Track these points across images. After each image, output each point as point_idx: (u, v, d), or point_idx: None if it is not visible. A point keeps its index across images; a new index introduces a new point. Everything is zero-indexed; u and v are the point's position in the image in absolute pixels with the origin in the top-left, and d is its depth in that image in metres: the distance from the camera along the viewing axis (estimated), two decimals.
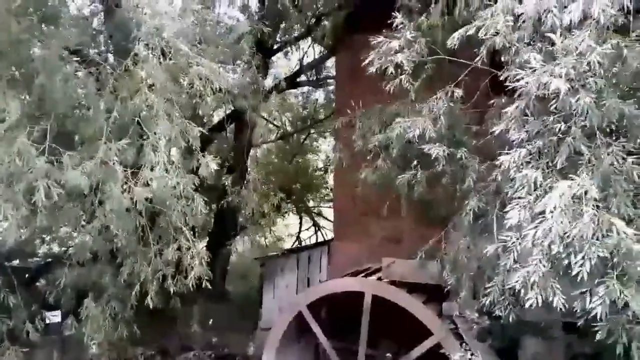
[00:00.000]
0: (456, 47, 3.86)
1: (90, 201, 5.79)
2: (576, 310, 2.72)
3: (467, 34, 3.53)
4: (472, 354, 5.01)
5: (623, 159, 2.60)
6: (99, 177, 5.43)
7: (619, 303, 2.42)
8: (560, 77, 2.56)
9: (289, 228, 17.00)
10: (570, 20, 2.58)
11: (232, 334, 9.80)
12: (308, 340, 7.49)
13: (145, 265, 6.11)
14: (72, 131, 6.25)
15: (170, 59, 5.40)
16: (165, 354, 9.05)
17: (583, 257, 2.42)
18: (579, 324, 2.85)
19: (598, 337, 2.64)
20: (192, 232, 6.45)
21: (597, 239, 2.39)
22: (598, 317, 2.51)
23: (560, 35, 2.72)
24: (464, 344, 5.35)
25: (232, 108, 9.21)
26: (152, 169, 5.41)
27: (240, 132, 10.14)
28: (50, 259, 9.45)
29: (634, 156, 2.63)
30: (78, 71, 6.18)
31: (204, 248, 10.64)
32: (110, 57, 7.17)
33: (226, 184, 7.58)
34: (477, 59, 3.74)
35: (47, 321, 7.30)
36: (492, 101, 4.16)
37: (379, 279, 6.76)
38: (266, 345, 7.13)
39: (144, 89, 5.33)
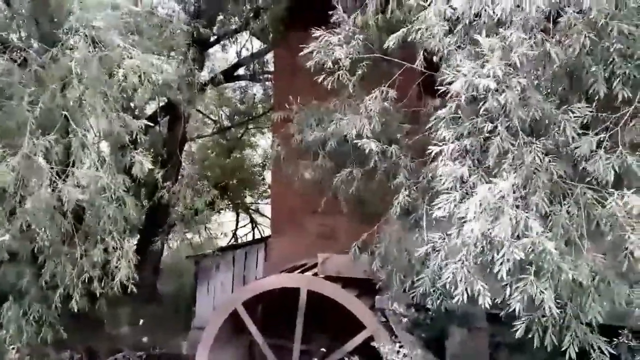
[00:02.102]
0: (392, 46, 3.93)
1: (11, 198, 5.41)
2: (499, 302, 2.85)
3: (403, 36, 3.60)
4: (401, 346, 5.16)
5: (543, 156, 2.75)
6: (23, 173, 5.08)
7: (536, 300, 2.56)
8: (488, 77, 2.67)
9: (225, 225, 16.73)
10: (498, 18, 2.69)
11: (164, 333, 9.55)
12: (243, 338, 7.42)
13: (70, 267, 5.79)
14: None
15: (102, 49, 5.13)
16: (92, 356, 8.67)
17: (503, 256, 2.54)
18: (501, 315, 3.00)
19: (518, 334, 2.78)
20: (121, 231, 6.18)
21: (516, 239, 2.52)
22: (516, 314, 2.64)
23: (487, 35, 2.84)
24: (394, 336, 5.51)
25: (166, 100, 8.92)
26: (81, 166, 5.12)
27: (174, 126, 9.85)
28: None
29: (552, 155, 2.80)
30: None
31: (134, 246, 10.25)
32: (36, 45, 6.72)
33: (158, 179, 7.32)
34: (417, 62, 3.83)
35: None
36: (424, 101, 4.29)
37: (315, 274, 6.81)
38: (200, 344, 7.00)
39: (74, 80, 5.04)
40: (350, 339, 6.09)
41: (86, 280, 5.87)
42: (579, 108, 2.79)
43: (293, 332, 6.52)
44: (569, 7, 2.75)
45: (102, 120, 5.08)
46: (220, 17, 10.33)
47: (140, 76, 4.88)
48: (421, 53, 3.59)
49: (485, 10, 2.79)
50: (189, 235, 14.31)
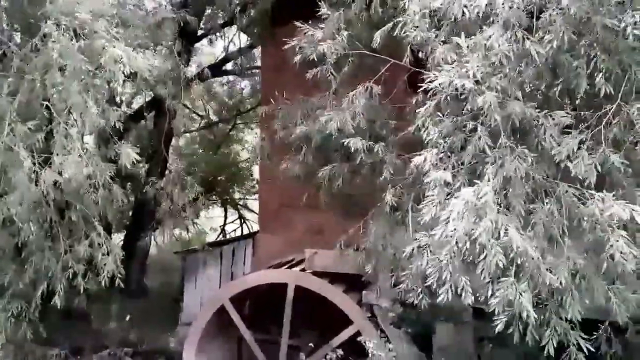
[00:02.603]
0: (378, 42, 3.93)
1: None
2: (482, 298, 2.88)
3: (392, 32, 3.60)
4: (387, 341, 5.20)
5: (525, 156, 2.77)
6: (2, 164, 4.99)
7: (515, 300, 2.59)
8: (468, 77, 2.68)
9: (213, 221, 16.67)
10: (479, 14, 2.70)
11: (151, 329, 9.50)
12: (231, 334, 7.42)
13: (54, 262, 5.72)
14: None
15: (85, 40, 5.05)
16: (78, 353, 8.60)
17: (485, 257, 2.57)
18: (485, 309, 3.03)
19: (497, 330, 2.82)
20: (107, 226, 6.12)
21: (497, 239, 2.54)
22: (496, 313, 2.68)
23: (469, 33, 2.85)
24: (380, 331, 5.54)
25: (153, 95, 8.85)
26: (64, 155, 5.04)
27: (161, 121, 9.77)
28: None
29: (534, 154, 2.82)
30: None
31: (121, 242, 10.19)
32: (16, 36, 6.61)
33: (144, 174, 7.27)
34: (404, 59, 3.82)
35: None
36: (410, 97, 4.30)
37: (302, 270, 6.82)
38: (187, 340, 6.99)
39: (55, 71, 4.96)
40: (337, 335, 6.11)
41: (70, 276, 5.81)
42: (561, 116, 2.80)
43: (281, 327, 6.53)
44: (549, 3, 2.75)
45: (83, 111, 4.99)
46: (208, 11, 10.25)
47: (123, 68, 4.81)
48: (408, 49, 3.59)
49: (466, 8, 2.79)
50: (176, 231, 14.25)
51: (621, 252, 2.53)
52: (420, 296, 3.72)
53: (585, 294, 2.77)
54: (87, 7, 4.98)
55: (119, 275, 5.82)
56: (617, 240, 2.53)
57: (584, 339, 2.83)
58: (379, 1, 4.17)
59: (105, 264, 5.70)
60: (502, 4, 2.54)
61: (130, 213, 12.12)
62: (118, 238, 12.21)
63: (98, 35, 4.96)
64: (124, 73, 4.81)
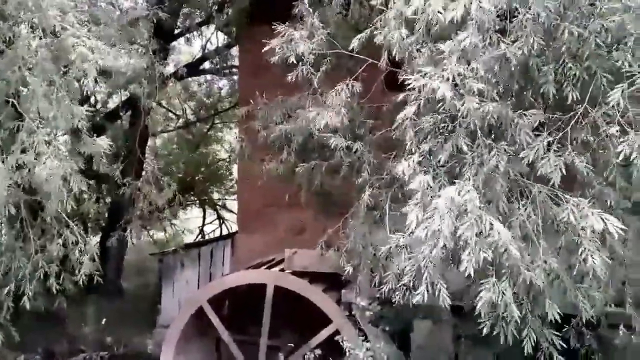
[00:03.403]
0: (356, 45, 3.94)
1: None
2: (462, 296, 2.91)
3: (372, 39, 3.61)
4: (366, 340, 5.22)
5: (502, 157, 2.82)
6: None
7: (498, 303, 2.63)
8: (447, 80, 2.70)
9: (192, 222, 16.50)
10: (455, 20, 2.73)
11: (128, 332, 9.37)
12: (209, 335, 7.35)
13: (25, 263, 5.57)
14: None
15: (56, 37, 4.93)
16: (52, 357, 8.43)
17: (469, 254, 2.59)
18: (464, 307, 3.07)
19: (484, 331, 2.85)
20: (82, 226, 5.98)
21: (480, 238, 2.57)
22: (482, 315, 2.70)
23: (445, 38, 2.89)
24: (359, 330, 5.56)
25: (128, 94, 8.70)
26: (30, 152, 4.90)
27: (137, 120, 9.63)
28: None
29: (510, 154, 2.87)
30: None
31: (97, 244, 10.00)
32: None
33: (120, 175, 7.14)
34: (381, 61, 3.84)
35: None
36: (387, 97, 4.32)
37: (282, 270, 6.79)
38: (165, 342, 6.90)
39: (22, 67, 4.82)
40: (317, 334, 6.11)
41: (42, 277, 5.67)
42: (533, 114, 2.85)
43: (260, 328, 6.49)
44: (520, 9, 2.79)
45: (51, 110, 4.85)
46: (185, 10, 10.14)
47: (95, 66, 4.71)
48: (385, 53, 3.60)
49: (440, 14, 2.81)
50: (153, 232, 14.07)
51: (592, 255, 2.60)
52: (399, 294, 3.74)
53: (557, 293, 2.83)
54: (56, 3, 4.85)
55: (97, 273, 5.70)
56: (589, 244, 2.60)
57: (557, 335, 2.89)
58: (357, 4, 4.18)
59: (81, 263, 5.56)
60: (477, 8, 2.57)
61: (106, 214, 11.93)
62: (94, 240, 12.01)
63: (69, 33, 4.84)
64: (96, 71, 4.70)
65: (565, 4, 2.64)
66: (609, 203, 2.88)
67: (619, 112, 2.69)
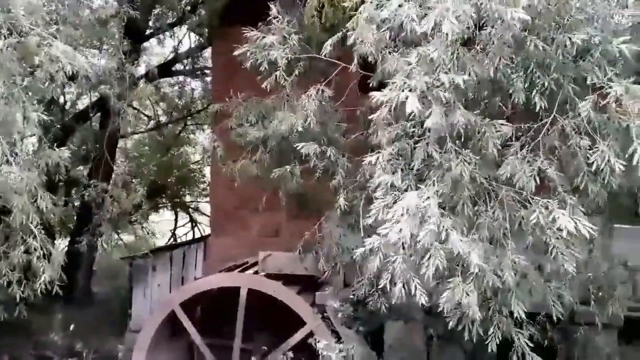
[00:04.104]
0: (328, 49, 3.96)
1: None
2: (433, 296, 2.96)
3: (344, 43, 3.63)
4: (339, 341, 5.25)
5: (469, 161, 2.88)
6: None
7: (462, 304, 2.69)
8: (416, 90, 2.75)
9: (164, 225, 16.27)
10: (426, 34, 2.78)
11: (98, 338, 9.18)
12: (182, 340, 7.27)
13: None
14: None
15: (21, 37, 4.79)
16: None
17: (428, 260, 2.64)
18: (435, 307, 3.11)
19: (449, 327, 2.92)
20: (46, 231, 5.81)
21: (440, 242, 2.63)
22: (445, 313, 2.77)
23: (415, 46, 2.94)
24: (333, 331, 5.59)
25: (98, 95, 8.53)
26: None
27: (107, 122, 9.45)
28: None
29: (477, 158, 2.93)
30: None
31: (65, 248, 9.78)
32: None
33: (87, 177, 6.99)
34: (352, 66, 3.87)
35: None
36: (360, 100, 4.36)
37: (256, 272, 6.77)
38: (135, 347, 6.79)
39: None
40: (291, 336, 6.11)
41: (5, 284, 5.49)
42: (501, 124, 2.93)
43: (234, 331, 6.45)
44: (489, 20, 2.86)
45: (12, 114, 4.69)
46: (156, 10, 10.01)
47: (62, 67, 4.59)
48: (356, 55, 3.63)
49: (414, 21, 2.86)
50: (124, 236, 13.83)
51: (562, 254, 2.69)
52: (375, 296, 3.79)
53: (525, 292, 2.91)
54: (20, 2, 4.71)
55: (58, 283, 5.55)
56: (558, 242, 2.68)
57: (521, 333, 2.97)
58: (329, 6, 4.20)
59: (43, 270, 5.41)
60: (447, 23, 2.62)
61: (75, 218, 11.67)
62: (62, 244, 11.73)
63: (35, 33, 4.71)
64: (65, 73, 4.59)
65: (532, 16, 2.71)
66: (576, 207, 2.97)
67: (588, 124, 2.79)
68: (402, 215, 2.59)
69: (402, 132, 3.01)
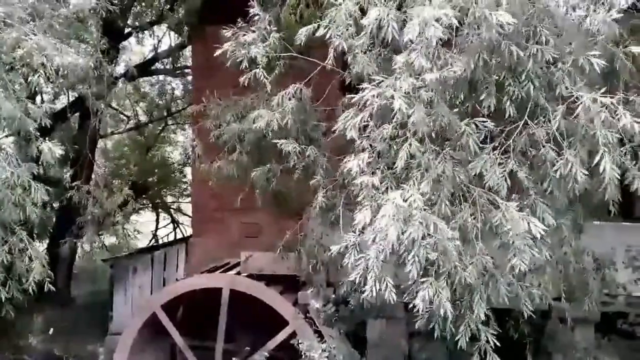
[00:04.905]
0: (308, 44, 3.95)
1: None
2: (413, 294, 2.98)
3: (315, 33, 3.63)
4: (322, 341, 5.26)
5: (448, 163, 2.92)
6: None
7: (434, 300, 2.73)
8: (400, 89, 2.78)
9: (145, 226, 16.10)
10: (410, 40, 2.81)
11: (79, 340, 9.07)
12: (164, 342, 7.21)
13: None
14: None
15: None
16: None
17: (413, 257, 2.68)
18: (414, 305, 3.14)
19: (419, 325, 2.96)
20: (29, 232, 5.71)
21: (424, 239, 2.66)
22: (420, 311, 2.80)
23: (398, 53, 2.96)
24: (316, 331, 5.59)
25: (76, 95, 8.40)
26: None
27: (86, 122, 9.31)
28: None
29: (454, 160, 2.97)
30: None
31: (45, 250, 9.60)
32: None
33: (69, 178, 6.88)
34: (327, 61, 3.86)
35: None
36: (340, 99, 4.36)
37: (238, 273, 6.74)
38: (117, 350, 6.71)
39: None
40: (274, 337, 6.10)
41: None
42: (481, 121, 2.98)
43: (216, 332, 6.42)
44: (466, 24, 2.90)
45: None
46: (136, 9, 9.89)
47: (44, 62, 4.51)
48: (332, 52, 3.63)
49: (394, 29, 2.90)
50: (104, 237, 13.64)
51: (521, 255, 2.76)
52: (355, 295, 3.80)
53: (493, 290, 2.97)
54: None
55: (48, 280, 5.45)
56: (521, 242, 2.76)
57: (493, 330, 3.02)
58: (308, 2, 4.19)
59: (30, 270, 5.30)
60: (431, 30, 2.65)
61: (54, 219, 11.48)
62: (41, 246, 11.52)
63: (15, 28, 4.62)
64: (43, 66, 4.50)
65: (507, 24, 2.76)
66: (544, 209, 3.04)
67: (558, 132, 2.88)
68: (389, 217, 2.61)
69: (381, 134, 3.03)
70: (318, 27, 3.52)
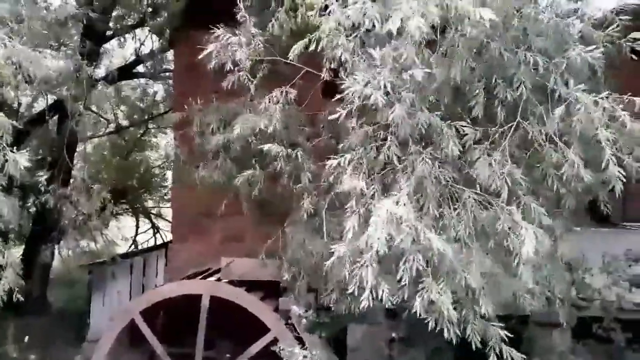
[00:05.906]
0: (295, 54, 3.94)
1: None
2: (396, 300, 2.97)
3: (307, 48, 3.63)
4: (303, 347, 5.23)
5: (432, 164, 2.92)
6: None
7: (436, 303, 2.72)
8: (380, 89, 2.77)
9: (125, 231, 15.85)
10: (391, 33, 2.80)
11: (55, 349, 8.86)
12: (143, 349, 7.08)
13: None
14: None
15: None
16: None
17: (405, 263, 2.66)
18: (397, 310, 3.14)
19: (429, 328, 2.93)
20: (3, 238, 5.58)
21: (415, 243, 2.65)
22: (418, 314, 2.78)
23: (380, 48, 2.95)
24: (297, 337, 5.56)
25: (55, 98, 8.27)
26: None
27: (64, 126, 9.15)
28: None
29: (440, 161, 2.98)
30: None
31: (20, 256, 9.39)
32: None
33: (45, 182, 6.73)
34: (323, 72, 3.86)
35: None
36: (324, 104, 4.36)
37: (218, 279, 6.68)
38: (94, 357, 6.57)
39: None
40: (254, 343, 6.05)
41: None
42: (463, 125, 2.99)
43: (196, 339, 6.33)
44: (452, 24, 2.91)
45: None
46: (117, 11, 9.79)
47: (18, 69, 4.42)
48: (325, 61, 3.63)
49: (375, 25, 2.88)
50: (82, 243, 13.37)
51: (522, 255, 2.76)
52: (342, 301, 3.79)
53: (493, 292, 2.97)
54: None
55: (17, 289, 5.32)
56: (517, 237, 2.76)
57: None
58: (293, 7, 4.19)
59: (4, 277, 5.16)
60: (414, 25, 2.64)
61: (30, 224, 11.22)
62: (16, 252, 11.26)
63: None
64: (16, 71, 4.41)
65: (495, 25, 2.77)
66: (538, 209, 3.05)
67: (556, 135, 2.90)
68: (381, 224, 2.59)
69: (365, 135, 3.04)
70: (309, 41, 3.51)
